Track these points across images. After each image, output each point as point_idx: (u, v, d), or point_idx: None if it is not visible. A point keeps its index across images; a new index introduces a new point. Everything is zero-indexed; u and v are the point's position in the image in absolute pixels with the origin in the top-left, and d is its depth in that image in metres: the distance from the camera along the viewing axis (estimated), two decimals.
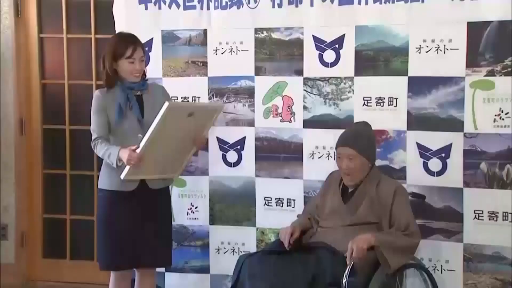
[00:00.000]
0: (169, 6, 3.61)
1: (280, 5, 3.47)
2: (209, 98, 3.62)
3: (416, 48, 3.30)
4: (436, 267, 3.34)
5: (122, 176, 2.99)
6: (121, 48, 3.07)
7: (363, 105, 3.40)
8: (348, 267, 2.76)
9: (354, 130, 3.11)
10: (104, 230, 3.09)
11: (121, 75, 3.09)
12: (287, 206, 3.56)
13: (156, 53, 3.66)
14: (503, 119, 3.20)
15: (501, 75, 3.19)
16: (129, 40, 3.11)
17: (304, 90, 3.49)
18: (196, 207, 3.66)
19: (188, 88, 3.65)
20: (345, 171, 3.06)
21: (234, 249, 3.62)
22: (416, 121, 3.33)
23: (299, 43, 3.48)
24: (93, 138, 3.11)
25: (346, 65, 3.41)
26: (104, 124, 3.10)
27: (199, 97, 3.64)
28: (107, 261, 3.11)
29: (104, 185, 3.12)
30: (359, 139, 3.04)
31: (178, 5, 3.60)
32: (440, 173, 3.31)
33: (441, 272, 3.33)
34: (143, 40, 3.64)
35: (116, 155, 2.99)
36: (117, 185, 3.06)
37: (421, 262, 3.27)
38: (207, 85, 3.61)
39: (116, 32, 3.47)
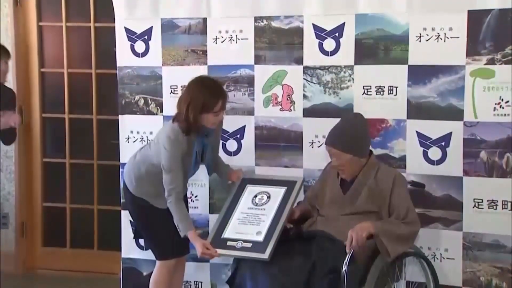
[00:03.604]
0: None
1: None
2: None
3: (416, 36, 3.29)
4: (435, 255, 3.36)
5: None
6: (211, 103, 3.02)
7: (363, 94, 3.40)
8: (347, 256, 2.78)
9: (339, 127, 3.08)
10: (156, 224, 3.13)
11: (201, 123, 3.06)
12: None
13: (155, 41, 3.66)
14: (503, 108, 3.20)
15: (501, 64, 3.18)
16: (219, 93, 3.07)
17: (304, 79, 3.49)
18: (196, 196, 3.67)
19: (188, 77, 3.63)
20: (337, 167, 3.08)
21: None
22: (416, 110, 3.33)
23: (299, 32, 3.47)
24: (172, 187, 3.03)
25: (346, 54, 3.40)
26: (182, 175, 3.07)
27: None
28: (169, 249, 3.17)
29: (142, 195, 3.16)
30: (343, 137, 3.02)
31: None
32: (439, 161, 3.31)
33: (441, 261, 3.35)
34: (142, 29, 3.67)
35: (184, 232, 3.03)
36: (154, 202, 3.15)
37: (421, 250, 3.28)
38: (206, 73, 3.59)
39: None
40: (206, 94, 3.03)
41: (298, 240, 3.01)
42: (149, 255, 3.55)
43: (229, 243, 3.02)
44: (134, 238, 3.54)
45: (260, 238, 2.97)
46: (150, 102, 3.73)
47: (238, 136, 3.63)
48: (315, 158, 3.49)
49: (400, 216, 2.96)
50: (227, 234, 3.07)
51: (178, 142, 3.03)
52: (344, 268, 2.76)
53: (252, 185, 3.20)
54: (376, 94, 3.39)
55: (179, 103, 3.07)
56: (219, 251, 3.01)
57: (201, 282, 3.74)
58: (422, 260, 3.15)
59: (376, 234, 2.85)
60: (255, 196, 3.14)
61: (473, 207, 3.28)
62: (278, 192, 3.11)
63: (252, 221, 3.07)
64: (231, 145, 3.64)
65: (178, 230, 3.04)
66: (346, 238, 2.82)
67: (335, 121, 3.19)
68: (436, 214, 3.33)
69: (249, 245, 2.97)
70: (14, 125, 3.60)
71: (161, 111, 3.71)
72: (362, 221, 2.89)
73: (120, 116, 3.79)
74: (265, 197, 3.13)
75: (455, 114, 3.27)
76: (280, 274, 2.85)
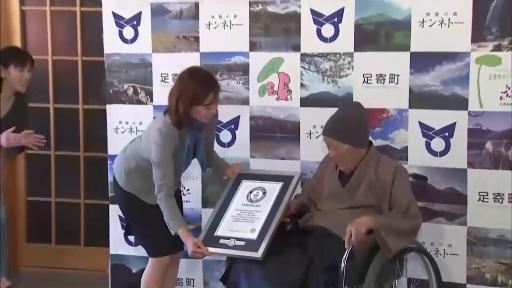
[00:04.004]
0: None
1: None
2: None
3: (419, 22, 3.30)
4: (438, 251, 3.38)
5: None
6: (201, 95, 3.01)
7: (363, 83, 3.42)
8: (346, 251, 2.79)
9: (336, 116, 3.08)
10: (149, 220, 3.14)
11: (193, 116, 3.05)
12: None
13: (145, 27, 3.67)
14: (509, 97, 3.21)
15: (508, 50, 3.20)
16: (210, 85, 3.05)
17: (301, 66, 3.50)
18: (188, 190, 3.69)
19: (179, 65, 3.63)
20: (335, 159, 3.09)
21: None
22: (419, 99, 3.34)
23: (296, 17, 3.48)
24: (162, 183, 3.03)
25: (345, 40, 3.41)
26: (173, 170, 3.07)
27: None
28: (164, 246, 3.17)
29: (133, 190, 3.18)
30: (341, 126, 3.02)
31: None
32: (443, 153, 3.33)
33: (444, 257, 3.37)
34: (131, 14, 3.67)
35: (174, 230, 3.03)
36: (145, 198, 3.16)
37: (423, 246, 3.31)
38: (199, 61, 3.62)
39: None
40: (197, 86, 3.02)
41: (295, 235, 3.03)
42: (139, 251, 3.57)
43: (221, 241, 3.03)
44: (124, 235, 3.55)
45: (254, 236, 2.98)
46: (139, 91, 3.74)
47: (232, 126, 3.65)
48: (313, 149, 3.50)
49: (401, 210, 2.97)
50: (220, 231, 3.07)
51: (170, 136, 3.03)
52: (342, 265, 2.77)
53: (247, 181, 3.21)
54: (377, 82, 3.40)
55: (170, 95, 3.07)
56: (211, 249, 3.02)
57: (193, 280, 3.77)
58: (424, 256, 3.17)
59: (376, 228, 2.85)
60: (250, 192, 3.15)
61: (478, 201, 3.30)
62: (274, 188, 3.12)
63: (246, 218, 3.08)
64: (225, 136, 3.65)
65: (169, 227, 3.04)
66: (345, 233, 2.83)
67: (333, 111, 3.18)
68: (439, 208, 3.35)
69: (242, 243, 2.98)
70: (25, 144, 3.57)
71: (151, 100, 3.72)
72: (362, 215, 2.90)
73: (108, 106, 3.80)
74: (260, 193, 3.14)
75: (460, 103, 3.28)
76: (276, 271, 2.86)
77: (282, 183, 3.12)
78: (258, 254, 2.90)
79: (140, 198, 3.16)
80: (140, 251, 3.45)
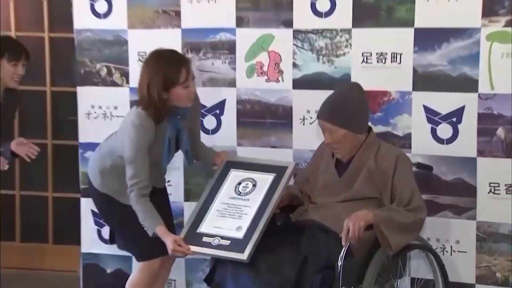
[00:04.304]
0: None
1: None
2: (183, 54, 3.61)
3: None
4: (444, 248, 3.42)
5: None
6: (173, 74, 2.99)
7: (362, 62, 3.44)
8: (343, 249, 2.81)
9: (332, 98, 3.08)
10: (131, 222, 3.10)
11: (172, 103, 3.03)
12: None
13: (120, 0, 3.67)
14: None
15: None
16: (178, 60, 3.04)
17: (293, 44, 3.52)
18: (168, 181, 3.67)
19: (158, 42, 3.62)
20: (330, 146, 3.10)
21: None
22: (423, 80, 3.36)
23: None
24: (134, 182, 3.01)
25: (343, 15, 3.42)
26: (148, 167, 3.04)
27: None
28: (151, 247, 3.14)
29: (110, 191, 3.19)
30: (337, 110, 3.02)
31: None
32: (450, 140, 3.36)
33: (451, 254, 3.41)
34: None
35: (151, 230, 3.02)
36: (122, 199, 3.14)
37: (428, 242, 3.34)
38: (180, 38, 3.63)
39: None
40: (165, 66, 3.00)
41: (287, 231, 3.05)
42: (114, 249, 3.57)
43: (205, 239, 3.03)
44: (109, 242, 3.46)
45: (240, 235, 2.98)
46: (114, 71, 3.75)
47: (218, 111, 3.66)
48: (307, 137, 3.52)
49: (403, 202, 2.97)
50: (203, 228, 3.07)
51: (144, 129, 3.01)
52: (339, 263, 2.79)
53: (236, 170, 3.20)
54: (377, 62, 3.42)
55: (139, 87, 3.06)
56: (193, 248, 3.02)
57: (174, 281, 3.80)
58: (429, 254, 3.19)
59: (376, 223, 2.86)
60: (239, 184, 3.15)
61: (489, 193, 3.33)
62: (265, 180, 3.12)
63: (233, 213, 3.07)
64: (210, 122, 3.67)
65: (145, 229, 3.03)
66: (342, 229, 2.84)
67: (329, 93, 3.18)
68: (446, 201, 3.38)
69: (227, 242, 2.97)
70: (15, 151, 3.45)
71: (127, 82, 3.73)
72: (360, 209, 2.91)
73: (78, 88, 3.80)
74: (250, 185, 3.14)
75: (469, 85, 3.30)
76: (265, 271, 2.88)
77: (275, 174, 3.12)
78: (244, 256, 2.90)
79: (118, 199, 3.15)
80: (115, 249, 3.45)
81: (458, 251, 3.41)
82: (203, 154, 3.34)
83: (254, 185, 3.12)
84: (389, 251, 2.90)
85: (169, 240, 3.00)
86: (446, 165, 3.37)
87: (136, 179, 3.02)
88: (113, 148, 3.15)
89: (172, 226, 3.28)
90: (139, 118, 3.01)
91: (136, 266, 3.28)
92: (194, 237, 3.05)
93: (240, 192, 3.13)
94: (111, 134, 3.24)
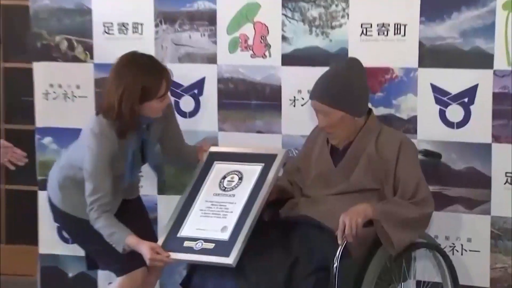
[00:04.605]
0: None
1: None
2: (156, 25, 3.62)
3: None
4: (454, 247, 3.43)
5: None
6: (153, 87, 3.00)
7: (361, 35, 3.43)
8: (339, 248, 2.81)
9: (327, 75, 3.08)
10: (100, 239, 3.09)
11: (142, 114, 3.05)
12: None
13: None
14: None
15: None
16: (160, 71, 3.04)
17: (283, 14, 3.51)
18: (140, 172, 3.64)
19: (127, 12, 3.64)
20: (325, 130, 3.10)
21: None
22: (431, 55, 3.36)
23: None
24: (94, 198, 3.01)
25: None
26: (110, 181, 3.05)
27: (141, 24, 3.65)
28: (129, 258, 3.12)
29: (71, 210, 3.19)
30: (333, 90, 3.02)
31: None
32: (461, 124, 3.36)
33: (461, 254, 3.42)
34: None
35: (121, 244, 3.02)
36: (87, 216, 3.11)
37: (435, 240, 3.34)
38: (152, 7, 3.62)
39: None
40: (144, 77, 2.98)
41: (275, 229, 3.04)
42: (76, 250, 3.58)
43: (186, 243, 3.02)
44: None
45: (226, 236, 2.97)
46: (75, 45, 3.73)
47: (196, 91, 3.66)
48: (298, 120, 3.52)
49: (407, 195, 2.97)
50: (184, 231, 3.07)
51: (106, 138, 3.02)
52: (335, 265, 2.79)
53: (221, 162, 3.20)
54: (378, 34, 3.42)
55: (107, 95, 3.04)
56: (173, 255, 3.01)
57: None
58: (437, 254, 3.20)
59: (376, 219, 2.87)
60: (224, 178, 3.15)
61: (505, 183, 3.34)
62: (252, 172, 3.12)
63: (218, 212, 3.07)
64: (187, 103, 3.67)
65: (114, 246, 3.03)
66: (337, 225, 2.84)
67: (324, 70, 3.17)
68: (456, 193, 3.39)
69: (211, 245, 2.97)
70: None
71: (91, 57, 3.72)
72: (358, 202, 2.92)
73: (34, 64, 3.79)
74: (236, 179, 3.13)
75: (483, 60, 3.30)
76: (251, 274, 2.88)
77: (263, 164, 3.12)
78: (230, 259, 2.90)
79: (81, 217, 3.14)
80: (78, 250, 3.46)
81: (470, 250, 3.42)
82: (187, 155, 3.34)
83: (240, 178, 3.12)
84: (392, 250, 2.91)
85: (144, 248, 3.00)
86: (456, 152, 3.38)
87: (97, 195, 3.02)
88: (73, 159, 3.15)
89: (152, 235, 3.29)
90: (99, 125, 3.03)
91: (115, 283, 3.26)
92: (175, 242, 3.05)
93: (225, 188, 3.12)
94: (72, 143, 3.24)
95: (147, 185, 3.70)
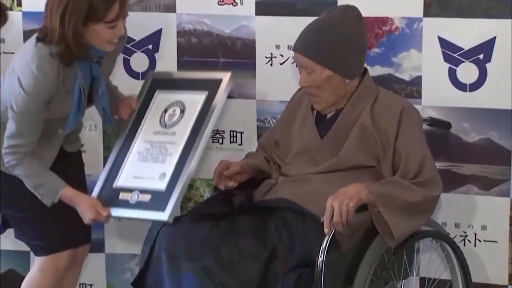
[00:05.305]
0: None
1: None
2: None
3: None
4: (466, 236, 3.45)
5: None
6: (101, 6, 2.98)
7: None
8: (326, 238, 2.79)
9: (316, 25, 3.09)
10: (28, 200, 3.14)
11: (88, 42, 3.05)
12: (231, 143, 3.65)
13: None
14: None
15: None
16: None
17: None
18: (82, 146, 3.62)
19: None
20: (309, 92, 3.10)
21: None
22: (438, 2, 3.37)
23: None
24: (15, 143, 3.04)
25: None
26: (41, 126, 3.07)
27: None
28: (59, 236, 3.19)
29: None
30: (320, 42, 3.03)
31: None
32: (475, 86, 3.37)
33: (475, 245, 3.44)
34: None
35: (53, 196, 3.06)
36: None
37: (443, 229, 3.35)
38: None
39: None
40: None
41: (248, 215, 3.02)
42: (6, 242, 3.61)
43: (122, 195, 3.08)
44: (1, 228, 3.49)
45: (163, 185, 3.02)
46: None
47: (150, 47, 3.68)
48: (276, 83, 3.54)
49: (410, 174, 2.98)
50: (121, 180, 3.13)
51: (44, 76, 3.02)
52: (320, 258, 2.77)
53: (163, 91, 3.24)
54: None
55: (47, 12, 3.04)
56: (112, 210, 3.05)
57: (91, 285, 3.83)
58: (445, 244, 3.20)
59: (371, 203, 2.87)
60: (165, 111, 3.19)
61: None
62: (195, 102, 3.15)
63: (157, 155, 3.12)
64: (139, 61, 3.70)
65: (42, 197, 3.06)
66: (324, 211, 2.83)
67: (306, 22, 3.15)
68: (469, 171, 3.41)
69: (147, 197, 3.03)
70: None
71: (19, 4, 3.71)
72: (350, 182, 2.90)
73: None
74: (177, 112, 3.17)
75: (500, 8, 3.30)
76: (218, 270, 2.87)
77: (207, 92, 3.14)
78: (165, 215, 2.94)
79: (4, 171, 3.16)
80: (8, 242, 3.52)
81: (485, 241, 3.45)
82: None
83: (182, 111, 3.16)
84: (390, 241, 2.91)
85: (84, 204, 3.06)
86: (469, 121, 3.40)
87: (19, 140, 3.05)
88: (1, 98, 3.15)
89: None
90: (38, 59, 3.02)
91: (36, 264, 3.28)
92: (111, 194, 3.11)
93: (166, 124, 3.16)
94: None
95: (91, 163, 3.67)
